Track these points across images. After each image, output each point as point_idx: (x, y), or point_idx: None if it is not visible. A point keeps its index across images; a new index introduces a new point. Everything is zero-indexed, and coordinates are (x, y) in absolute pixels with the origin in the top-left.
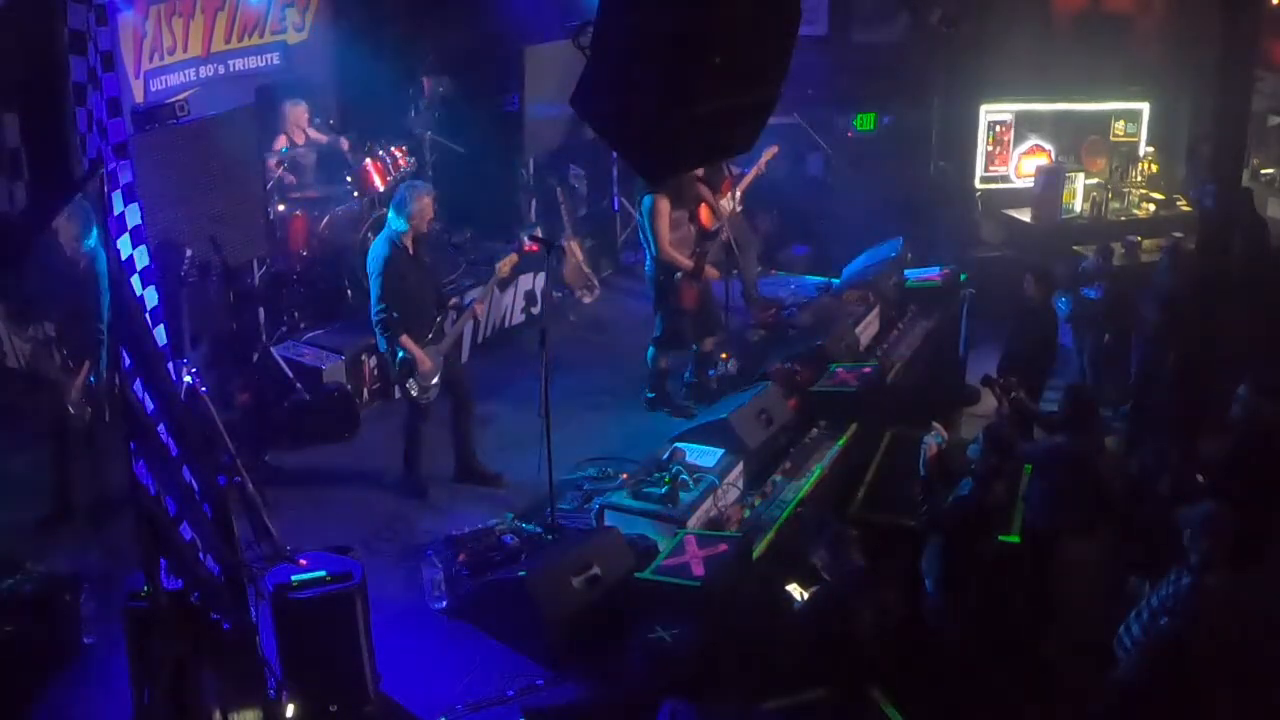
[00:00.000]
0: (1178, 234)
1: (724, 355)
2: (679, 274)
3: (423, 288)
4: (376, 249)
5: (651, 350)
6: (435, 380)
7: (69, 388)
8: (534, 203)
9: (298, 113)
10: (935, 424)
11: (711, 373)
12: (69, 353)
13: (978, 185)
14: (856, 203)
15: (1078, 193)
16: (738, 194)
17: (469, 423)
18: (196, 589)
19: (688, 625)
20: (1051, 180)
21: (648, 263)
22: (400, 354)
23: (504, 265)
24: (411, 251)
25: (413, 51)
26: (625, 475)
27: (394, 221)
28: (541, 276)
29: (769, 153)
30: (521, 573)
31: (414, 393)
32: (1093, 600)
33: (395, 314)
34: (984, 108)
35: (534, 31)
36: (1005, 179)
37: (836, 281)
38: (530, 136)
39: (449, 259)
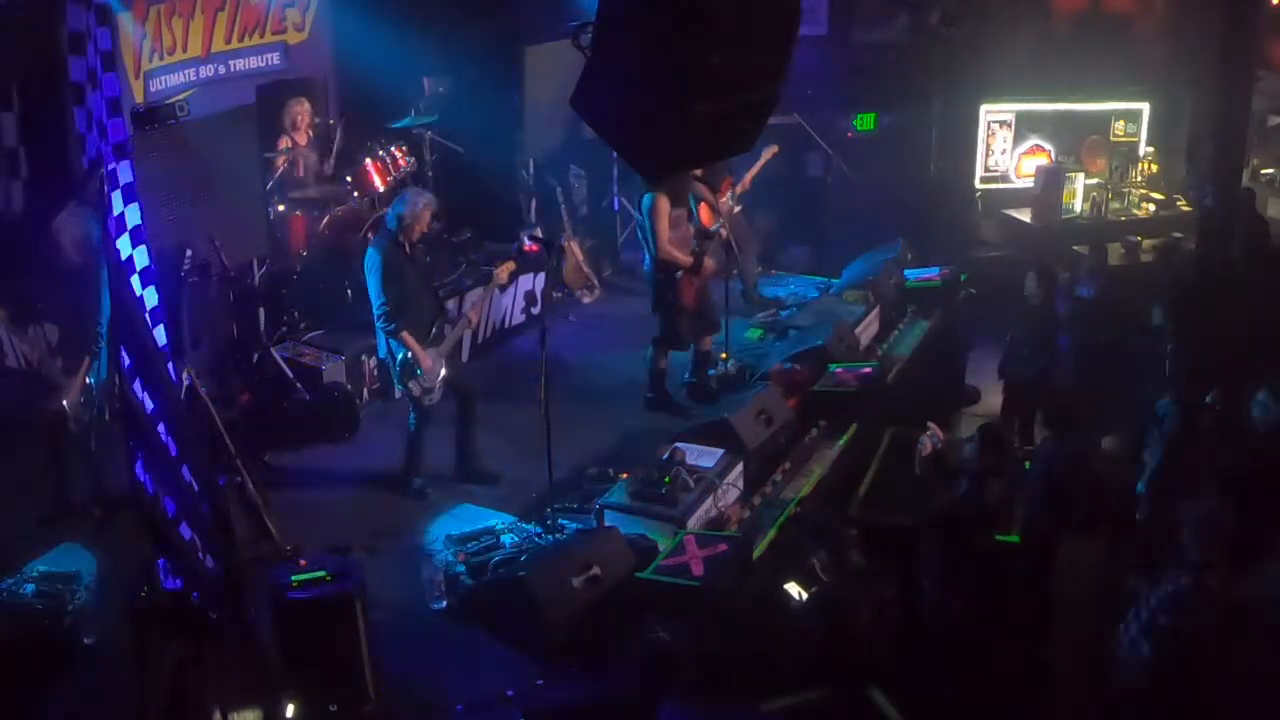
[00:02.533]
0: (1178, 234)
1: (724, 355)
2: (679, 272)
3: (419, 290)
4: (373, 247)
5: (650, 350)
6: (438, 381)
7: (69, 388)
8: (534, 203)
9: (300, 111)
10: (931, 424)
11: (711, 372)
12: (69, 354)
13: (978, 185)
14: (856, 203)
15: (1078, 193)
16: (737, 192)
17: (473, 423)
18: (196, 589)
19: (688, 625)
20: (1051, 180)
21: (646, 262)
22: (400, 355)
23: (501, 271)
24: (408, 250)
25: (413, 51)
26: (625, 475)
27: (389, 220)
28: (541, 276)
29: (769, 152)
30: (521, 573)
31: (416, 393)
32: (1092, 600)
33: (395, 312)
34: (984, 108)
35: (534, 31)
36: (1005, 179)
37: (836, 281)
38: (530, 136)
39: (449, 259)
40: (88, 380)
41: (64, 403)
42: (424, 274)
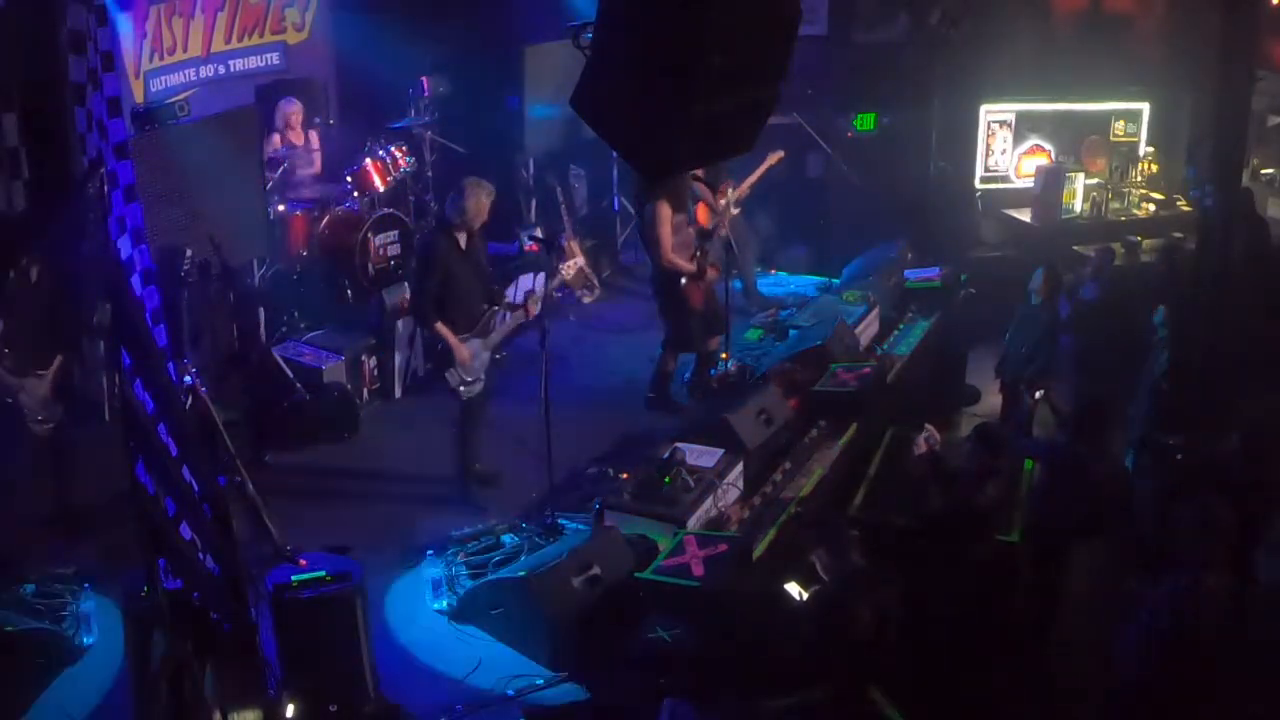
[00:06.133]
0: (1178, 234)
1: (724, 355)
2: (684, 277)
3: (470, 283)
4: (426, 238)
5: (660, 351)
6: (478, 374)
7: (22, 388)
8: (534, 203)
9: (292, 110)
10: (927, 425)
11: (711, 372)
12: (20, 354)
13: (978, 185)
14: (856, 203)
15: (1078, 193)
16: (735, 198)
17: (480, 423)
18: (196, 589)
19: (688, 625)
20: (1051, 180)
21: (652, 267)
22: (440, 345)
23: (568, 268)
24: (463, 246)
25: (413, 51)
26: (625, 475)
27: (448, 213)
28: (541, 276)
29: (773, 157)
30: (521, 573)
31: (453, 384)
32: (1093, 600)
33: (431, 303)
34: (984, 108)
35: (534, 31)
36: (1005, 179)
37: (836, 281)
38: (530, 136)
39: None
40: (58, 382)
41: (21, 406)
42: (477, 268)
